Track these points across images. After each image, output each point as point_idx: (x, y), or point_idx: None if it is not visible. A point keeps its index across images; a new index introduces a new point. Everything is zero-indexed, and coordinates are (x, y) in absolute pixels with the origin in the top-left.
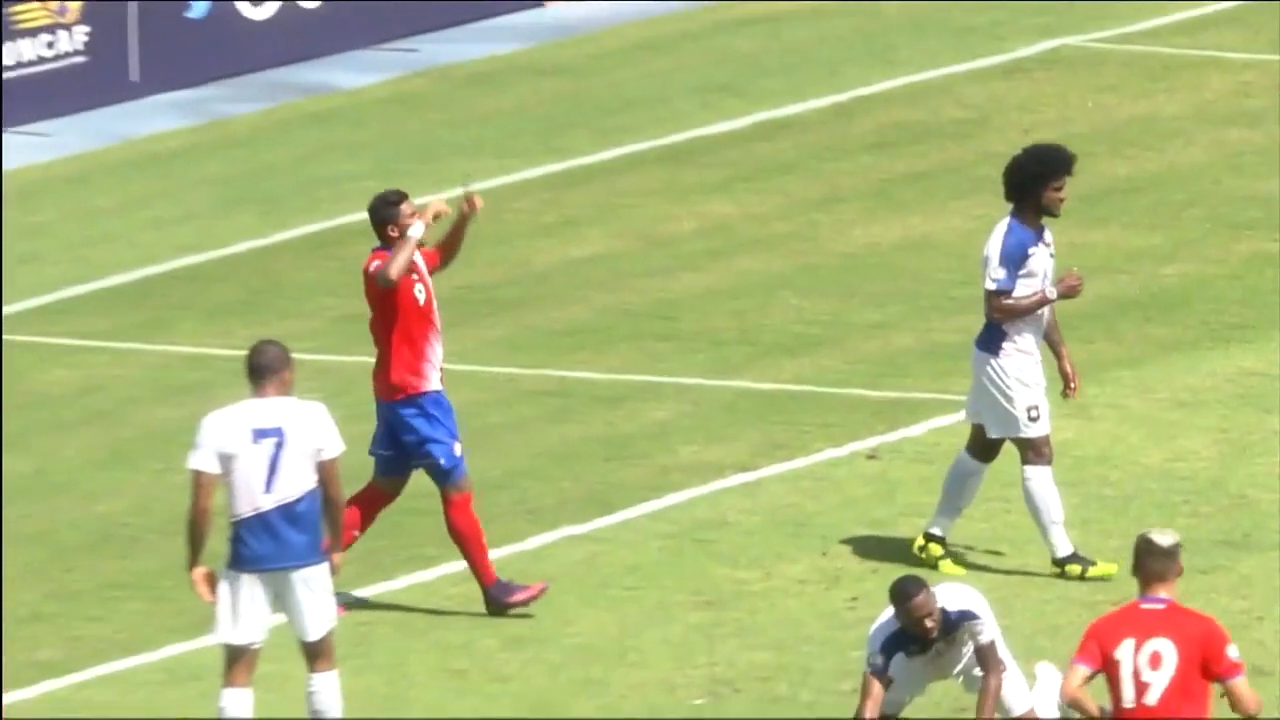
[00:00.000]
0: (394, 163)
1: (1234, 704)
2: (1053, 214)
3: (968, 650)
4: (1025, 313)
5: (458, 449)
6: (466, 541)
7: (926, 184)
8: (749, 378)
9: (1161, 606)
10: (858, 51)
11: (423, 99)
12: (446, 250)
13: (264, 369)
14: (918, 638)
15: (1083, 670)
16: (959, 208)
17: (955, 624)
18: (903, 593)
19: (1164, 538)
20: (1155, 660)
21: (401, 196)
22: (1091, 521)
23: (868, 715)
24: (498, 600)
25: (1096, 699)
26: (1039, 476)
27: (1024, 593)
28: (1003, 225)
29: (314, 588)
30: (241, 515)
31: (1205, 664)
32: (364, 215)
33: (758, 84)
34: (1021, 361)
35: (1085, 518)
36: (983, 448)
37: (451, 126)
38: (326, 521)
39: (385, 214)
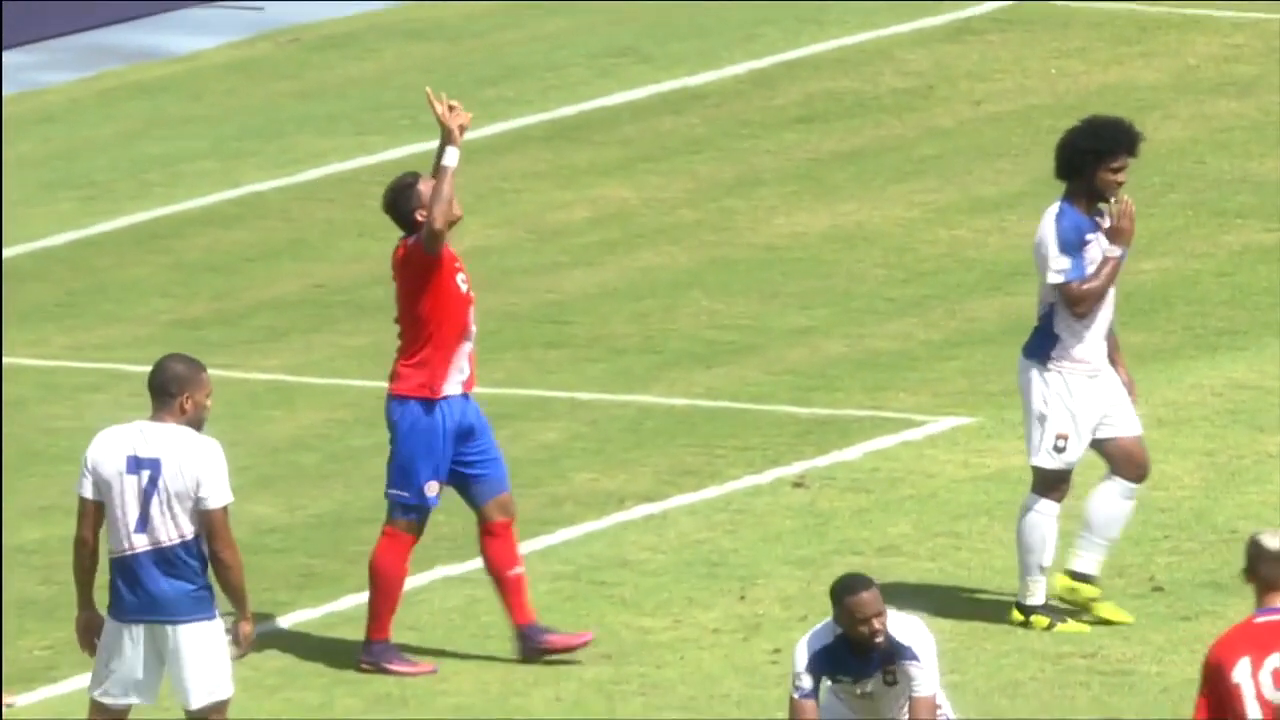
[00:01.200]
0: (236, 140)
1: None
2: (1107, 199)
3: (905, 701)
4: (1106, 288)
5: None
6: (388, 586)
7: (861, 165)
8: (654, 392)
9: (1277, 617)
10: (781, 10)
11: (269, 66)
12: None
13: (157, 389)
14: (857, 647)
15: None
16: (898, 193)
17: (890, 656)
18: (846, 587)
19: (1275, 540)
20: (1278, 678)
21: (416, 177)
22: (1056, 560)
23: None
24: (377, 661)
25: None
26: (1046, 512)
27: (978, 644)
28: (1053, 208)
29: (193, 649)
30: (114, 554)
31: None
32: (202, 201)
33: (664, 48)
34: (1072, 376)
35: None
36: (1121, 463)
37: (303, 98)
38: (218, 581)
39: (408, 200)
